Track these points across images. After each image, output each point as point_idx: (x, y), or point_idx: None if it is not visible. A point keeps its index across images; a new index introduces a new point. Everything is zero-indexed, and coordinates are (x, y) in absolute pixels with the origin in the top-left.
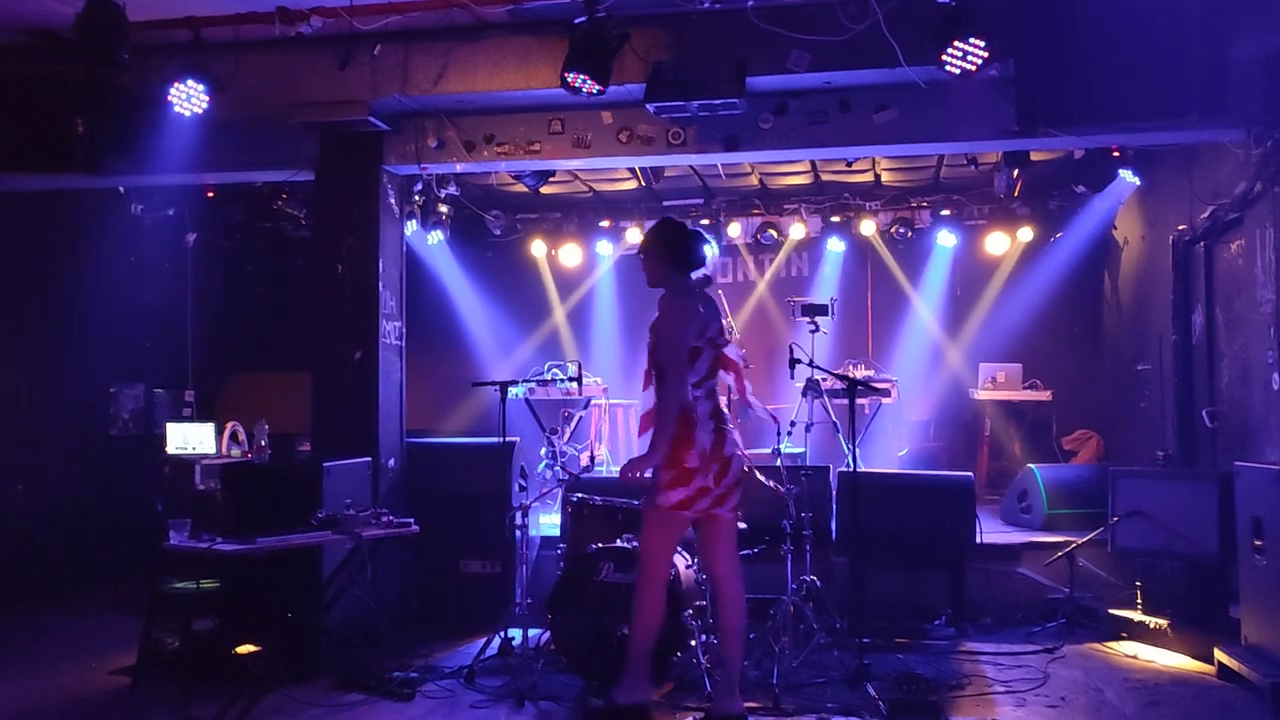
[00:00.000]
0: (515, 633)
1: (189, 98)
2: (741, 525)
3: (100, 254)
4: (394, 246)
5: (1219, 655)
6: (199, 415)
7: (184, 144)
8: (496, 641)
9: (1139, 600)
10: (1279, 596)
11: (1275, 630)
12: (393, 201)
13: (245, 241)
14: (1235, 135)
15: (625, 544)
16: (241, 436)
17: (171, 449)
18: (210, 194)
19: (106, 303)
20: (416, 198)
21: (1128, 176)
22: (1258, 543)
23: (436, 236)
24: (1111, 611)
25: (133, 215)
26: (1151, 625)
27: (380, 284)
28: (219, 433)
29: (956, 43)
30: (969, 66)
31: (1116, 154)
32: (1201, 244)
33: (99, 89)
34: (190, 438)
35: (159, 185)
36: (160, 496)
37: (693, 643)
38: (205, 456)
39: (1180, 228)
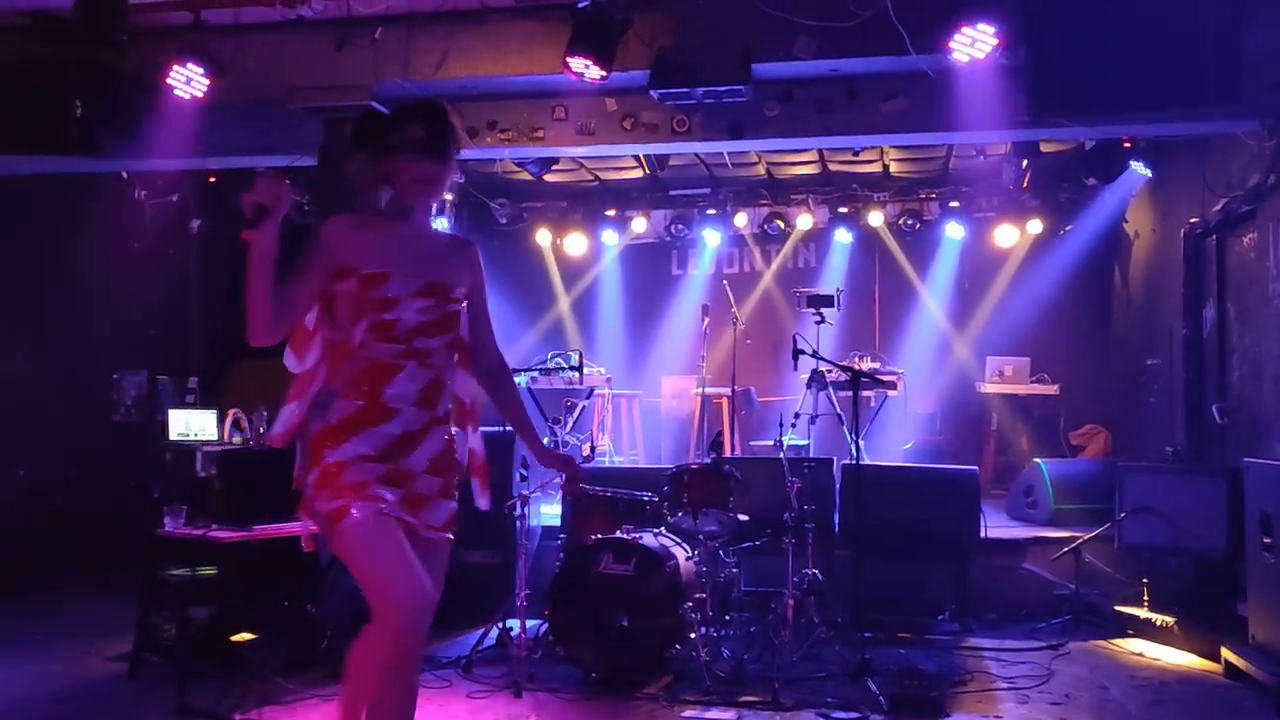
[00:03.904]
0: (514, 623)
1: (189, 81)
2: (743, 517)
3: (104, 240)
4: None
5: (1226, 654)
6: (203, 402)
7: (184, 128)
8: (495, 632)
9: (1145, 597)
10: None
11: None
12: None
13: (249, 228)
14: (1249, 127)
15: (625, 535)
16: (244, 423)
17: (173, 435)
18: (213, 179)
19: (110, 289)
20: None
21: (1139, 168)
22: (1266, 540)
23: (441, 224)
24: (1117, 608)
25: (136, 201)
26: (1158, 622)
27: None
28: (221, 420)
29: (965, 29)
30: (978, 54)
31: (1128, 145)
32: (1213, 237)
33: (98, 71)
34: (192, 424)
35: (162, 171)
36: (157, 483)
37: (692, 635)
38: (207, 443)
39: (1192, 220)
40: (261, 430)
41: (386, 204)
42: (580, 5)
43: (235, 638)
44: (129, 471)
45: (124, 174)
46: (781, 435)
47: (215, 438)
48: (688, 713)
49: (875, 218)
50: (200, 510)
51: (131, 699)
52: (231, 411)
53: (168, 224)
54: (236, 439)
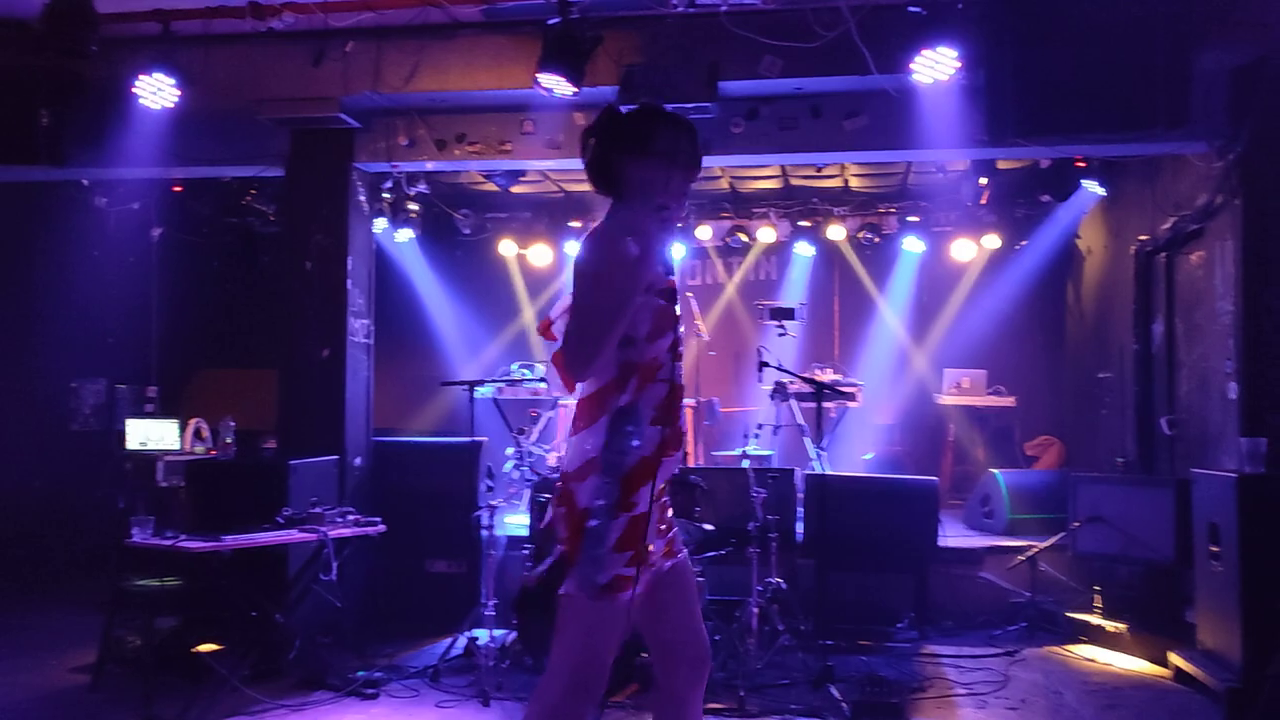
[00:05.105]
0: (481, 633)
1: (157, 91)
2: (708, 527)
3: (63, 247)
4: (363, 244)
5: (1175, 659)
6: (162, 411)
7: (152, 137)
8: (462, 641)
9: (1097, 604)
10: (1233, 601)
11: (1229, 635)
12: (362, 199)
13: (212, 237)
14: (1198, 148)
15: None
16: (205, 433)
17: (133, 445)
18: (177, 188)
19: (69, 297)
20: (386, 195)
21: (1092, 187)
22: (1213, 548)
23: (405, 234)
24: (1070, 615)
25: (96, 209)
26: (1109, 629)
27: (349, 281)
28: (182, 429)
29: (927, 51)
30: (940, 75)
31: (1082, 164)
32: (1163, 255)
33: (65, 81)
34: (152, 434)
35: (124, 179)
36: (122, 493)
37: None
38: (168, 453)
39: (1142, 238)
40: (228, 441)
41: (632, 211)
42: (550, 23)
43: (201, 648)
44: (88, 481)
45: (84, 181)
46: (745, 446)
47: (176, 447)
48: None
49: (836, 232)
50: (166, 520)
51: (95, 711)
52: (193, 421)
53: (129, 231)
54: (199, 449)
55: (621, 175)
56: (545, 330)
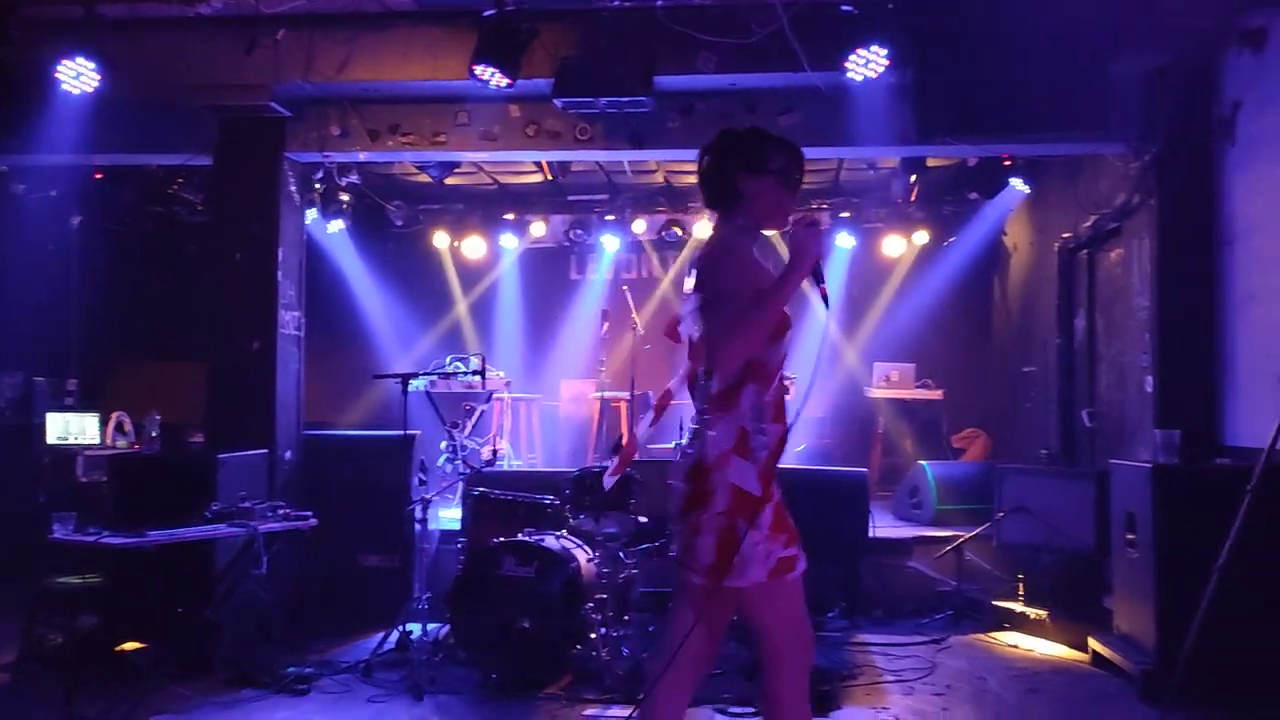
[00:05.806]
0: (414, 627)
1: (78, 76)
2: (643, 519)
3: None
4: (294, 235)
5: (1093, 644)
6: (82, 405)
7: (74, 123)
8: (395, 636)
9: (1021, 592)
10: (1148, 588)
11: (1145, 619)
12: (293, 189)
13: (134, 226)
14: (1117, 149)
15: (527, 538)
16: (128, 427)
17: (51, 439)
18: (99, 175)
19: None
20: (317, 185)
21: (1018, 185)
22: (1130, 536)
23: (337, 225)
24: (995, 603)
25: (14, 195)
26: (1032, 616)
27: (279, 273)
28: (103, 423)
29: (859, 50)
30: (870, 73)
31: (1008, 163)
32: (1084, 252)
33: None
34: (72, 428)
35: (43, 165)
36: (41, 488)
37: (593, 635)
38: (88, 447)
39: (1065, 236)
40: (153, 435)
41: (740, 225)
42: (486, 14)
43: (124, 646)
44: (5, 477)
45: (1, 167)
46: (680, 439)
47: (97, 442)
48: (588, 711)
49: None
50: (89, 516)
51: (15, 710)
52: (115, 415)
53: (47, 219)
54: (120, 443)
55: (736, 191)
56: (671, 331)
